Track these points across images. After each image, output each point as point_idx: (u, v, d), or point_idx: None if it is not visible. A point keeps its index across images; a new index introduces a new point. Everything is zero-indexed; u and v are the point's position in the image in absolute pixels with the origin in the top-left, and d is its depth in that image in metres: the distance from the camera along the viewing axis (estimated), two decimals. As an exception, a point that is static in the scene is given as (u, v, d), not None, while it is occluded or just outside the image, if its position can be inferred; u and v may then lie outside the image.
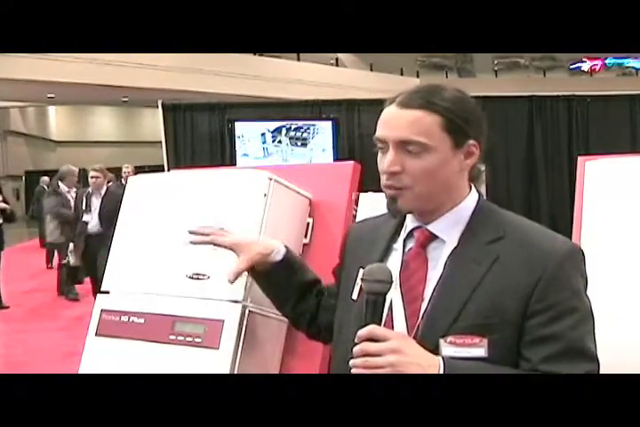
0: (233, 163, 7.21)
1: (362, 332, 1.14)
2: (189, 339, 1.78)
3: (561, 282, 1.18)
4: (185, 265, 1.88)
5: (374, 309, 1.16)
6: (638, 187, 1.85)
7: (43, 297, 8.18)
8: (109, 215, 6.38)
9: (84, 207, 6.75)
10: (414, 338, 1.19)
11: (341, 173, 2.10)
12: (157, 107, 7.70)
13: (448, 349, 1.17)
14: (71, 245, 7.00)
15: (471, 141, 1.26)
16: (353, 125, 7.61)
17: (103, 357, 1.92)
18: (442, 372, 1.12)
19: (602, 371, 1.19)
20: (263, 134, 7.50)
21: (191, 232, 1.63)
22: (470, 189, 1.31)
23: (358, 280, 1.32)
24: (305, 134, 7.52)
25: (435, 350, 1.16)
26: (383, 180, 1.26)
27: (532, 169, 7.41)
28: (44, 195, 8.80)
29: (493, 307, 1.18)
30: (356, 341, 1.14)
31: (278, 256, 1.55)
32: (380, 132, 1.26)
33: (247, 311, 1.80)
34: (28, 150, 24.47)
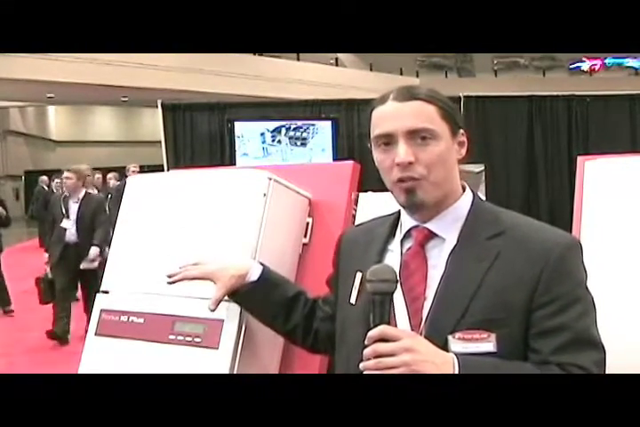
0: (232, 163, 7.21)
1: (373, 332, 1.12)
2: (189, 339, 1.78)
3: (564, 274, 1.20)
4: (185, 265, 1.88)
5: (382, 309, 1.15)
6: (637, 187, 1.85)
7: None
8: (86, 223, 6.02)
9: (63, 212, 6.12)
10: None
11: (341, 172, 2.10)
12: (157, 107, 7.70)
13: (457, 345, 1.18)
14: (45, 255, 6.33)
15: (461, 131, 1.30)
16: (352, 125, 7.62)
17: (103, 356, 1.92)
18: (456, 368, 1.12)
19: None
20: (263, 134, 7.51)
21: (168, 276, 1.62)
22: (464, 188, 1.33)
23: (356, 284, 1.32)
24: (304, 134, 7.52)
25: (442, 348, 1.16)
26: (396, 173, 1.25)
27: (532, 169, 7.42)
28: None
29: (499, 302, 1.19)
30: (366, 342, 1.12)
31: (254, 276, 1.55)
32: (387, 126, 1.26)
33: (247, 311, 1.80)
34: (27, 150, 24.48)
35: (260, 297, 1.55)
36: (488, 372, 1.12)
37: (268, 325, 1.61)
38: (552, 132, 7.42)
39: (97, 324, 1.96)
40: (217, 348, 1.74)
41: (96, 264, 5.93)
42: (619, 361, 1.48)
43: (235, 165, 6.86)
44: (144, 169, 9.27)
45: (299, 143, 7.54)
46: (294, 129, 7.51)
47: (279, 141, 7.50)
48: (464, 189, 1.33)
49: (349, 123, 7.61)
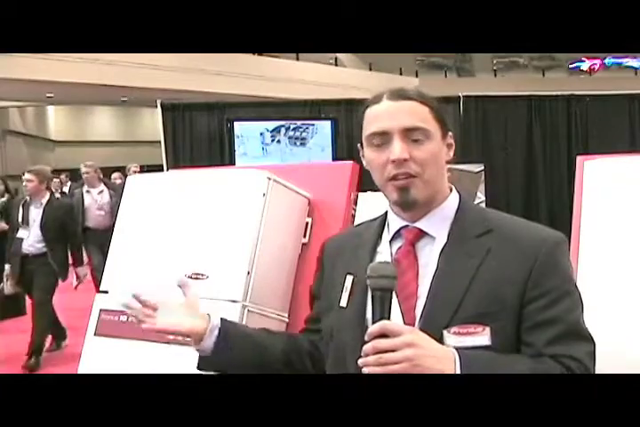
0: (232, 162, 7.20)
1: (373, 328, 1.11)
2: (189, 339, 1.78)
3: (553, 269, 1.23)
4: (184, 265, 1.88)
5: (382, 305, 1.14)
6: (637, 186, 1.85)
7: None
8: (52, 231, 5.22)
9: (19, 220, 5.27)
10: None
11: (340, 172, 2.11)
12: (156, 106, 7.70)
13: (452, 339, 1.19)
14: (7, 267, 5.37)
15: (450, 133, 1.32)
16: (352, 125, 7.60)
17: (102, 356, 1.92)
18: (457, 362, 1.12)
19: (600, 365, 1.21)
20: (262, 134, 7.50)
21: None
22: (451, 189, 1.36)
23: (347, 286, 1.32)
24: (304, 134, 7.52)
25: (438, 343, 1.16)
26: (391, 170, 1.26)
27: (531, 168, 7.41)
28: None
29: (492, 296, 1.21)
30: (366, 339, 1.12)
31: (212, 337, 1.41)
32: (382, 124, 1.28)
33: (246, 311, 1.80)
34: (26, 150, 24.44)
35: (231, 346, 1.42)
36: (488, 364, 1.14)
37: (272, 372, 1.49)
38: (551, 131, 7.41)
39: (96, 324, 1.96)
40: (217, 348, 1.73)
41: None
42: (620, 360, 1.49)
43: (234, 164, 6.85)
44: (143, 169, 9.28)
45: (298, 143, 7.53)
46: (294, 129, 7.50)
47: (278, 141, 7.50)
48: (451, 190, 1.35)
49: (349, 123, 7.59)
